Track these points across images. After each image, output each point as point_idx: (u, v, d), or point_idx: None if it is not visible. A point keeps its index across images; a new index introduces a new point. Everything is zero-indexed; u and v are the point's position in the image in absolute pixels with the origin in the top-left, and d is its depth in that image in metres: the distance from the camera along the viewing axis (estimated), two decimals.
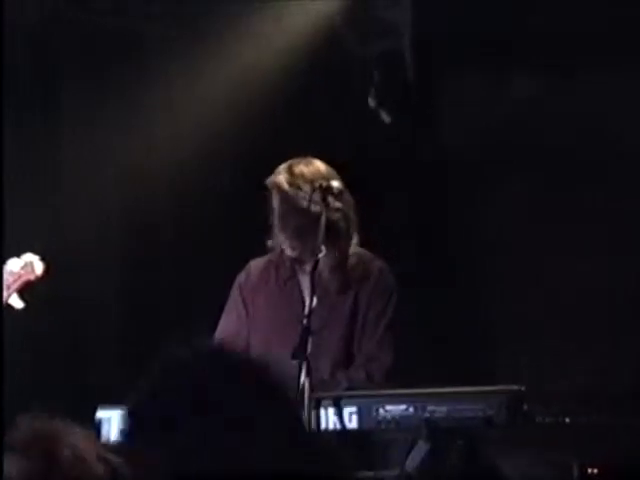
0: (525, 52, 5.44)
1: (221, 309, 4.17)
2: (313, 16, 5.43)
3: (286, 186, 3.98)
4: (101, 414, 3.59)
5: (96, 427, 3.56)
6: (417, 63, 5.32)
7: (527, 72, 5.55)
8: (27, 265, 4.23)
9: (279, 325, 4.06)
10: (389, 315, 4.03)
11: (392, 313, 4.03)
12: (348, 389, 3.85)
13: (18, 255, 4.28)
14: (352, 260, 4.06)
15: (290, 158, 4.10)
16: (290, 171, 4.01)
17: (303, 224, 3.94)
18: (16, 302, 4.22)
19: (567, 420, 3.58)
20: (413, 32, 5.26)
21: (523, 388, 3.52)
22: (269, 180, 4.04)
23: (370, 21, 5.51)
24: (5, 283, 4.21)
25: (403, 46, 5.33)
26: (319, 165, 4.05)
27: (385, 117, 5.45)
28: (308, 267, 4.04)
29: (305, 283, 4.05)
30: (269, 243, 4.11)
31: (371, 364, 3.97)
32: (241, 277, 4.16)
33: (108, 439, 3.56)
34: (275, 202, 4.03)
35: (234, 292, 4.15)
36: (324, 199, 3.83)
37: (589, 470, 3.52)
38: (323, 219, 3.77)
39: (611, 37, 5.34)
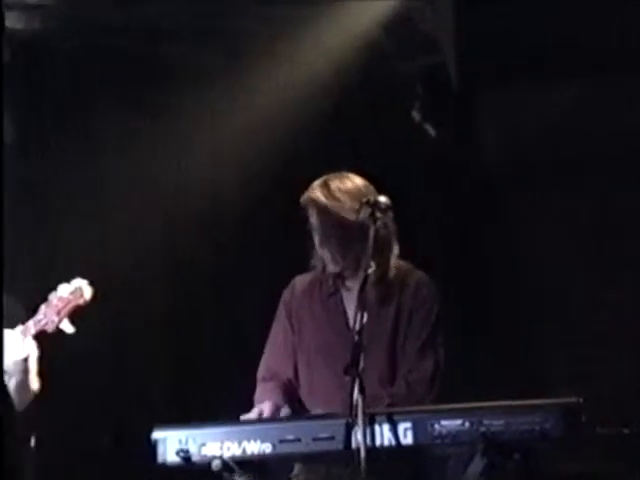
0: (568, 62, 5.42)
1: (266, 329, 4.18)
2: (356, 31, 5.45)
3: (324, 200, 3.97)
4: (157, 435, 3.59)
5: (152, 447, 3.56)
6: (460, 76, 5.31)
7: (570, 83, 5.53)
8: (76, 290, 4.27)
9: (324, 341, 4.05)
10: (430, 325, 4.00)
11: (433, 323, 4.00)
12: (390, 404, 3.83)
13: (67, 280, 4.31)
14: (392, 272, 4.04)
15: (332, 172, 4.09)
16: (326, 186, 4.00)
17: (345, 237, 3.93)
18: (67, 327, 4.25)
19: (626, 431, 3.52)
20: (456, 45, 5.26)
21: (581, 400, 3.47)
22: (305, 197, 4.02)
23: (413, 36, 5.52)
24: (55, 309, 4.25)
25: (446, 59, 5.33)
26: (355, 179, 4.04)
27: (430, 130, 5.45)
28: (350, 282, 4.04)
29: (348, 299, 4.05)
30: (312, 262, 4.10)
31: (412, 375, 3.95)
32: (286, 294, 4.17)
33: (165, 459, 3.56)
34: (314, 218, 4.01)
35: (280, 309, 4.16)
36: (372, 214, 3.81)
37: None
38: (372, 234, 3.75)
39: None
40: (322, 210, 3.97)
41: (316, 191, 4.00)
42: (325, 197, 3.97)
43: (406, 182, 5.43)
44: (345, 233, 3.93)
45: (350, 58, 5.50)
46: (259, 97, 5.62)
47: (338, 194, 3.96)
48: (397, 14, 5.40)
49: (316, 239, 4.02)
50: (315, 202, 3.98)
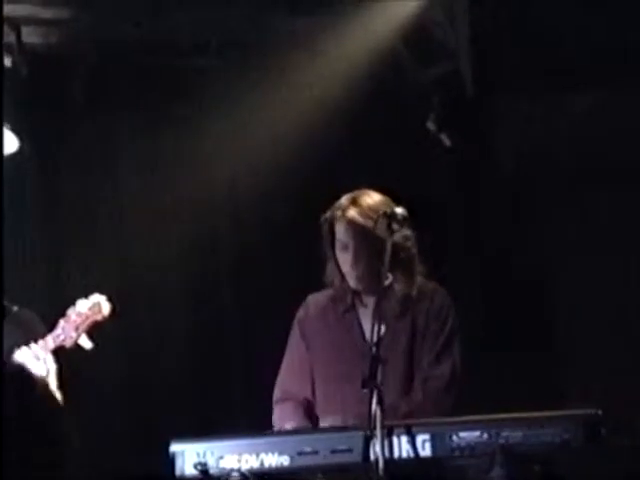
0: (584, 69, 5.41)
1: (283, 342, 4.18)
2: (371, 41, 5.45)
3: (361, 219, 3.94)
4: (175, 448, 3.59)
5: (170, 460, 3.57)
6: (476, 85, 5.31)
7: (587, 89, 5.52)
8: (95, 306, 4.28)
9: (340, 357, 4.05)
10: (445, 335, 4.01)
11: (449, 333, 4.01)
12: (407, 413, 3.82)
13: (86, 296, 4.33)
14: (415, 291, 4.03)
15: (350, 186, 4.07)
16: (357, 203, 3.98)
17: (376, 257, 3.90)
18: (85, 343, 4.26)
19: None
20: (471, 55, 5.26)
21: (600, 411, 3.45)
22: (334, 214, 4.00)
23: (428, 44, 5.52)
24: (74, 324, 4.26)
25: (462, 69, 5.33)
26: (379, 196, 4.03)
27: (445, 140, 5.44)
28: (366, 299, 4.04)
29: (364, 314, 4.05)
30: (326, 277, 4.09)
31: (428, 383, 3.96)
32: (300, 313, 4.16)
33: (183, 472, 3.57)
34: (346, 236, 3.98)
35: (294, 328, 4.16)
36: (389, 226, 3.80)
37: None
38: (389, 247, 3.74)
39: None
40: (358, 230, 3.95)
41: (350, 210, 3.97)
42: (360, 215, 3.95)
43: (424, 193, 5.42)
44: (375, 253, 3.92)
45: (365, 68, 5.50)
46: (276, 110, 5.62)
47: (370, 212, 3.95)
48: (412, 23, 5.40)
49: (344, 256, 4.00)
50: (352, 222, 3.95)
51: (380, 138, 5.65)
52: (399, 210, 3.84)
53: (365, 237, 3.94)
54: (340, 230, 4.00)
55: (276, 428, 3.95)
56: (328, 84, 5.58)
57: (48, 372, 4.20)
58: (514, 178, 5.72)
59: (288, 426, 3.93)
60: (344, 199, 4.02)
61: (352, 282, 4.03)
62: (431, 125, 5.50)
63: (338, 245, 4.02)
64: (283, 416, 3.99)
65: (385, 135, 5.65)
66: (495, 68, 5.44)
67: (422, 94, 5.61)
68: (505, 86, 5.51)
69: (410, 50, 5.56)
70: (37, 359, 4.18)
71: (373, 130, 5.64)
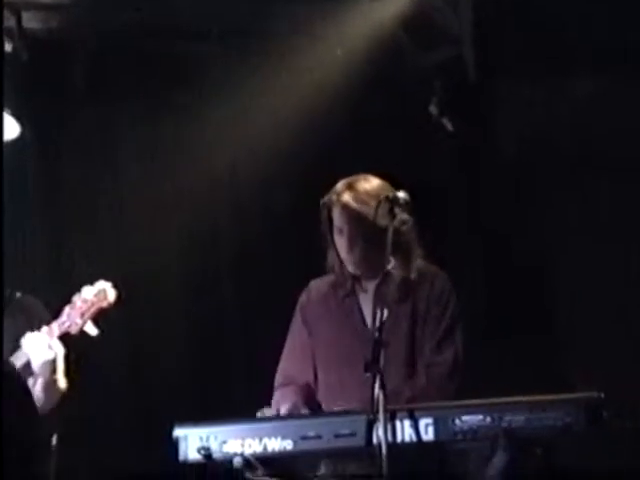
0: (586, 54, 5.41)
1: (284, 330, 4.18)
2: (373, 26, 5.45)
3: (355, 204, 3.93)
4: (178, 432, 3.59)
5: (174, 445, 3.57)
6: (478, 69, 5.30)
7: (588, 75, 5.51)
8: (100, 292, 4.28)
9: (341, 342, 4.06)
10: (447, 320, 4.01)
11: (450, 318, 4.01)
12: (411, 397, 3.82)
13: (91, 283, 4.32)
14: (414, 275, 4.03)
15: (351, 171, 4.07)
16: (353, 188, 3.97)
17: (371, 242, 3.91)
18: (91, 329, 4.26)
19: None
20: (474, 39, 5.25)
21: (602, 395, 3.46)
22: (331, 199, 3.99)
23: (430, 29, 5.52)
24: (79, 311, 4.26)
25: (464, 53, 5.32)
26: (378, 181, 4.02)
27: (447, 124, 5.43)
28: (367, 284, 4.04)
29: (365, 299, 4.05)
30: (327, 263, 4.09)
31: (431, 368, 3.97)
32: (302, 298, 4.17)
33: (186, 457, 3.57)
34: (340, 221, 3.98)
35: (296, 314, 4.17)
36: (391, 210, 3.79)
37: None
38: (390, 231, 3.73)
39: None
40: (353, 214, 3.94)
41: (345, 194, 3.96)
42: (355, 200, 3.94)
43: (425, 177, 5.42)
44: (371, 238, 3.91)
45: (368, 53, 5.49)
46: (277, 95, 5.61)
47: (366, 197, 3.93)
48: (412, 9, 5.40)
49: (340, 242, 4.00)
50: (344, 205, 3.95)
51: (381, 123, 5.64)
52: (401, 194, 3.82)
53: (360, 222, 3.93)
54: (336, 215, 3.99)
55: (273, 411, 3.95)
56: (328, 70, 5.57)
57: (56, 357, 4.20)
58: (515, 163, 5.71)
59: (284, 408, 3.92)
60: (340, 184, 4.02)
61: (350, 267, 4.03)
62: (433, 109, 5.49)
63: (335, 230, 4.02)
64: (282, 399, 4.00)
65: (386, 120, 5.65)
66: (497, 52, 5.44)
67: (422, 79, 5.61)
68: (507, 70, 5.51)
69: (410, 36, 5.56)
70: (42, 345, 4.18)
71: (374, 115, 5.63)
